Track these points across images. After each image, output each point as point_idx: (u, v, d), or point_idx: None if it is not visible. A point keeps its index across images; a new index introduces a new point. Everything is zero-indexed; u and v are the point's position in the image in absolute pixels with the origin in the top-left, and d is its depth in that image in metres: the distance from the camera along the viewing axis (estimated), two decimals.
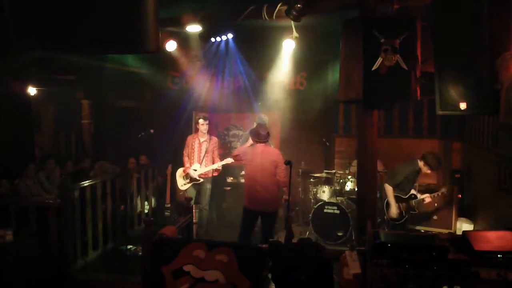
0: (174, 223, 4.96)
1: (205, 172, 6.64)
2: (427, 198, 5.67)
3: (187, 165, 6.69)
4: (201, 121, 6.67)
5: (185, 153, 6.76)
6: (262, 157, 5.40)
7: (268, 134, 5.52)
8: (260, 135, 5.45)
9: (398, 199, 5.64)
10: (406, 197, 5.65)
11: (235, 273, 3.56)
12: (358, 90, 4.24)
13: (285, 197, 5.32)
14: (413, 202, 5.64)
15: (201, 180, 6.65)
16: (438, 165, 5.56)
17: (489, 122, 5.60)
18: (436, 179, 7.43)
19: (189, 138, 6.80)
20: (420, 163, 5.54)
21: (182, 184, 6.77)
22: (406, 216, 5.65)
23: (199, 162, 6.63)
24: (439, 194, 5.87)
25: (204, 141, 6.70)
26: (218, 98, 8.43)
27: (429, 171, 5.56)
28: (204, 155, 6.64)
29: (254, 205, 5.41)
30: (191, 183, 6.69)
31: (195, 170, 6.59)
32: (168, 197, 7.24)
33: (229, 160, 6.52)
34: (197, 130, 6.83)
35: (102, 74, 8.65)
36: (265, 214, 5.41)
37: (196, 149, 6.68)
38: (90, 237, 5.59)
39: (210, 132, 6.90)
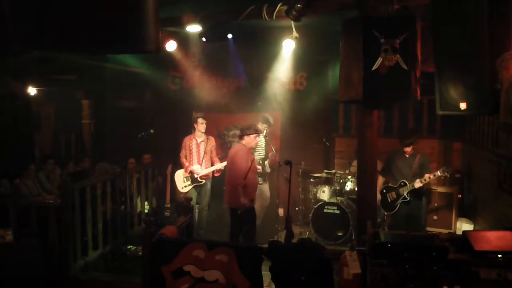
0: (174, 223, 4.96)
1: (206, 173, 6.60)
2: (417, 183, 5.65)
3: (186, 164, 6.61)
4: (200, 120, 6.56)
5: (182, 155, 6.67)
6: (229, 155, 5.69)
7: (244, 130, 5.57)
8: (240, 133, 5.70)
9: (389, 189, 5.88)
10: (396, 186, 5.83)
11: (235, 273, 3.56)
12: (358, 90, 4.25)
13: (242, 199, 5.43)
14: (402, 189, 5.74)
15: (203, 181, 6.59)
16: (409, 136, 5.88)
17: (489, 122, 5.60)
18: (436, 179, 7.42)
19: (186, 139, 6.68)
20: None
21: (182, 186, 6.68)
22: (397, 205, 5.78)
23: (199, 163, 6.57)
24: (431, 176, 5.65)
25: (202, 141, 6.61)
26: (218, 98, 8.42)
27: (408, 149, 5.81)
28: (203, 155, 6.57)
29: (226, 202, 5.71)
30: (193, 185, 6.63)
31: (198, 169, 6.53)
32: (168, 197, 7.24)
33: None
34: (194, 130, 6.75)
35: (102, 74, 8.65)
36: (237, 211, 5.48)
37: (194, 150, 6.58)
38: (90, 237, 5.58)
39: (210, 132, 6.88)
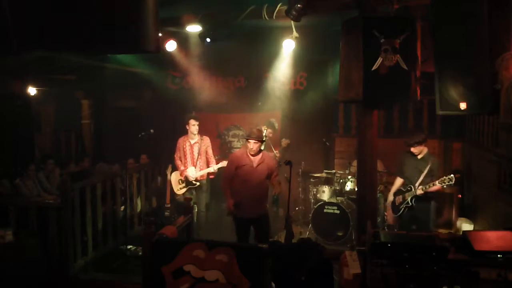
0: (174, 223, 4.96)
1: (201, 175, 6.51)
2: (419, 190, 5.38)
3: (181, 168, 6.52)
4: (192, 121, 6.40)
5: (176, 156, 6.58)
6: None
7: (247, 134, 5.36)
8: None
9: (399, 192, 5.69)
10: (404, 190, 5.62)
11: (235, 273, 3.56)
12: (358, 90, 4.24)
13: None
14: (407, 194, 5.51)
15: (197, 184, 6.50)
16: (411, 136, 5.56)
17: (489, 122, 5.60)
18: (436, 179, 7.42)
19: (180, 140, 6.57)
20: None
21: (178, 188, 6.64)
22: (402, 209, 5.58)
23: (193, 165, 6.47)
24: (431, 185, 5.31)
25: (196, 142, 6.49)
26: (218, 98, 8.43)
27: (414, 150, 5.47)
28: (198, 157, 6.46)
29: None
30: (187, 188, 6.56)
31: (192, 173, 6.44)
32: (168, 197, 7.22)
33: (225, 163, 6.39)
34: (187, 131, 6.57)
35: (102, 74, 8.66)
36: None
37: (188, 152, 6.48)
38: (90, 237, 5.59)
39: (210, 132, 6.84)
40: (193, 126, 6.43)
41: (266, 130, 6.92)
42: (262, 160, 5.20)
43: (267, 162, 5.23)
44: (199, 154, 6.48)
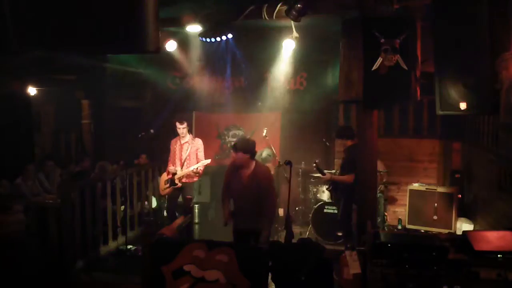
0: (174, 223, 4.96)
1: (186, 176, 6.40)
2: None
3: (170, 167, 6.51)
4: (177, 124, 6.36)
5: (170, 158, 6.60)
6: None
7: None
8: None
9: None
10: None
11: (235, 273, 3.56)
12: (358, 90, 4.25)
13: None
14: None
15: (180, 185, 6.39)
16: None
17: (489, 122, 5.59)
18: (436, 179, 7.43)
19: (172, 142, 6.58)
20: None
21: (163, 188, 6.62)
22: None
23: (181, 166, 6.43)
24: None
25: (186, 142, 6.43)
26: (218, 98, 8.42)
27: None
28: (186, 157, 6.40)
29: None
30: (170, 188, 6.48)
31: (175, 173, 6.38)
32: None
33: (205, 162, 6.34)
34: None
35: (102, 74, 8.65)
36: None
37: (177, 152, 6.45)
38: (90, 237, 5.59)
39: (210, 132, 6.81)
40: (178, 129, 6.37)
41: (266, 130, 6.92)
42: (252, 176, 4.54)
43: (258, 179, 4.52)
44: (188, 155, 6.42)
